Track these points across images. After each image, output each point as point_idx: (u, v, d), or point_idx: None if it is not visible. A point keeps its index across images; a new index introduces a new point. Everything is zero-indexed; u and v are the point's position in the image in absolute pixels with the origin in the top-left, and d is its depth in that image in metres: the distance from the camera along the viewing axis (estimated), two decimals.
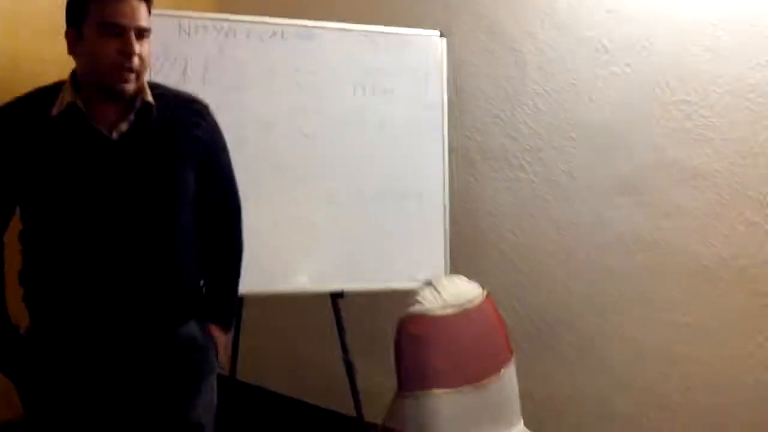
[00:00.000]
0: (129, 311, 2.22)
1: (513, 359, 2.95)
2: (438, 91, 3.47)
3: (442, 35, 3.51)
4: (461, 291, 2.86)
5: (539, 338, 3.55)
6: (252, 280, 3.11)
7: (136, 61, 2.11)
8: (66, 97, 2.15)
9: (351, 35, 3.38)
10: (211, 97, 3.18)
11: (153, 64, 3.09)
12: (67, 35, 2.17)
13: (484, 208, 3.63)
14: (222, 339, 2.50)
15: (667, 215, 3.24)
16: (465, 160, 3.65)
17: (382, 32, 3.41)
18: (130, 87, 2.15)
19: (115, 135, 2.17)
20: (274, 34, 3.26)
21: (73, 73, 2.20)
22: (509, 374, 2.90)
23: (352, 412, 3.46)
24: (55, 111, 2.14)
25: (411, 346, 2.61)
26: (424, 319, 2.65)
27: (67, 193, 2.14)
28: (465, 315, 2.80)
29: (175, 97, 2.33)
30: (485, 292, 2.94)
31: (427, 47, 3.48)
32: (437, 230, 3.40)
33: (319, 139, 3.30)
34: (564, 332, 3.50)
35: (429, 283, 2.77)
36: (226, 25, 3.19)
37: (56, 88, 2.20)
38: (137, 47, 2.11)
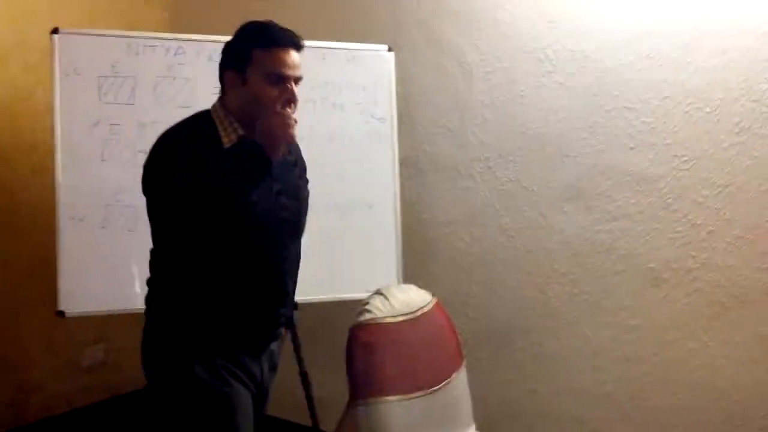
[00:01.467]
0: (278, 312, 2.52)
1: (464, 364, 2.99)
2: (387, 104, 3.52)
3: (390, 49, 3.57)
4: (411, 299, 2.89)
5: (492, 343, 3.61)
6: None
7: (295, 106, 2.37)
8: (235, 130, 2.35)
9: None
10: (161, 116, 3.23)
11: (102, 84, 3.15)
12: (227, 76, 2.38)
13: (434, 217, 3.69)
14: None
15: (613, 219, 3.32)
16: (415, 171, 3.71)
17: (331, 47, 3.46)
18: None
19: (274, 162, 2.39)
20: None
21: (224, 108, 2.39)
22: (460, 379, 2.93)
23: (308, 422, 3.50)
24: (227, 143, 2.34)
25: (362, 354, 2.64)
26: (373, 327, 2.68)
27: (244, 213, 2.32)
28: (415, 322, 2.83)
29: None
30: (435, 299, 2.98)
31: (375, 61, 3.54)
32: (389, 240, 3.46)
33: None
34: (516, 337, 3.57)
35: (378, 292, 2.81)
36: (174, 44, 3.23)
37: (205, 120, 2.38)
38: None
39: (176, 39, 3.28)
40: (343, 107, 3.44)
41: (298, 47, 2.36)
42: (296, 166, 2.56)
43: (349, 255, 3.38)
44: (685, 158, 3.16)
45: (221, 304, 2.38)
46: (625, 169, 3.28)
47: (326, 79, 3.43)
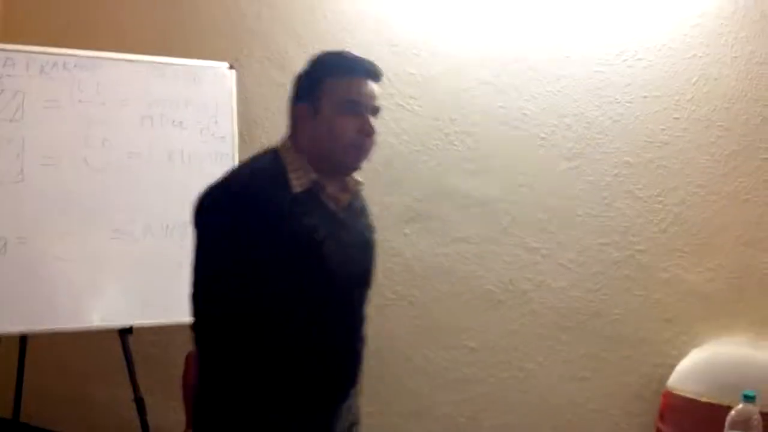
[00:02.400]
0: (347, 373, 2.24)
1: None
2: (228, 123, 3.46)
3: (231, 67, 3.52)
4: None
5: None
6: (38, 317, 3.00)
7: (371, 140, 2.10)
8: (306, 174, 2.07)
9: (137, 66, 3.33)
10: None
11: None
12: (298, 110, 2.12)
13: None
14: None
15: (452, 242, 3.37)
16: None
17: (169, 63, 3.37)
18: (361, 165, 2.14)
19: (340, 212, 2.14)
20: (56, 64, 3.15)
21: (295, 146, 2.12)
22: None
23: None
24: (297, 188, 2.05)
25: None
26: None
27: (314, 271, 2.07)
28: None
29: None
30: None
31: (216, 79, 3.47)
32: None
33: (106, 171, 3.21)
34: None
35: None
36: (3, 54, 3.08)
37: (274, 161, 2.10)
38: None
39: (5, 50, 3.12)
40: (182, 125, 3.35)
41: (376, 77, 2.14)
42: (363, 213, 2.31)
43: (186, 278, 3.29)
44: (521, 183, 3.25)
45: (284, 367, 2.10)
46: (464, 192, 3.34)
47: (164, 95, 3.33)
